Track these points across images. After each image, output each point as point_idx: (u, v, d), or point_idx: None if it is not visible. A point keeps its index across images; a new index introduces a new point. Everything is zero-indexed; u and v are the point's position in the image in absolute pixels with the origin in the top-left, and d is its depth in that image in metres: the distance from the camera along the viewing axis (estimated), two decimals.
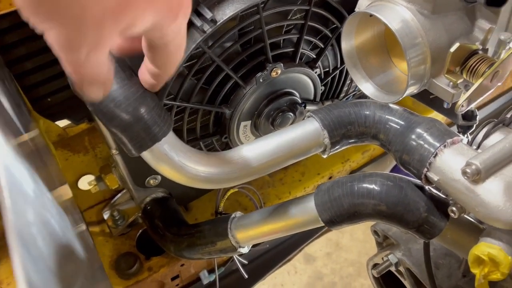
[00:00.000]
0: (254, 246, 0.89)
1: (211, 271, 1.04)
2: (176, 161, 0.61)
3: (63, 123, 0.88)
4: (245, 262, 0.96)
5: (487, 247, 0.56)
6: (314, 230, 1.17)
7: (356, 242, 2.27)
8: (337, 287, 2.13)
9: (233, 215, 0.81)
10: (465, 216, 0.68)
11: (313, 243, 2.24)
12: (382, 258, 0.89)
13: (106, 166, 0.88)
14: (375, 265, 0.93)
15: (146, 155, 0.61)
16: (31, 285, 0.21)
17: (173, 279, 0.99)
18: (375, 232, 0.95)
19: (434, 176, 0.60)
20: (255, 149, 0.66)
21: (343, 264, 2.20)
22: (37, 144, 0.71)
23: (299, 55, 0.78)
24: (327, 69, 0.88)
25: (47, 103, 0.79)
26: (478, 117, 0.76)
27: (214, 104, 0.76)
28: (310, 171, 1.10)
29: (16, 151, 0.38)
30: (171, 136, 0.61)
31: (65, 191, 0.84)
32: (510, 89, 1.32)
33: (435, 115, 0.85)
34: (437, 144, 0.60)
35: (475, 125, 0.77)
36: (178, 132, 0.77)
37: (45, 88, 0.78)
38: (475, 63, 0.62)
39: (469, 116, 0.75)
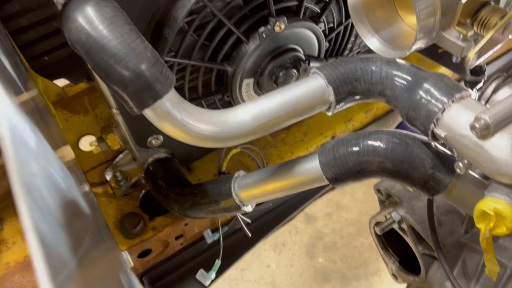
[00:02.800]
0: (257, 205, 0.90)
1: (214, 230, 1.05)
2: (179, 119, 0.60)
3: (61, 82, 0.86)
4: (249, 221, 0.97)
5: (493, 202, 0.56)
6: (315, 190, 1.17)
7: (356, 202, 2.29)
8: (337, 246, 2.17)
9: (236, 174, 0.81)
10: (470, 172, 0.67)
11: (314, 203, 2.27)
12: (385, 216, 0.90)
13: (107, 126, 0.87)
14: (377, 223, 0.93)
15: (148, 113, 0.59)
16: (41, 234, 0.20)
17: (177, 238, 1.00)
18: (378, 191, 0.95)
19: (441, 132, 0.59)
20: (259, 107, 0.65)
21: (343, 224, 2.23)
22: (38, 103, 0.70)
23: (303, 9, 0.75)
24: (332, 25, 0.85)
25: (44, 62, 0.77)
26: (486, 72, 0.74)
27: (216, 61, 0.74)
28: (313, 131, 1.09)
29: (18, 108, 0.37)
30: (173, 94, 0.59)
31: (67, 152, 0.83)
32: None
33: (443, 71, 0.83)
34: (445, 100, 0.59)
35: (483, 81, 0.76)
36: (180, 91, 0.76)
37: (41, 46, 0.75)
38: (486, 14, 0.59)
39: (477, 71, 0.73)
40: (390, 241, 1.00)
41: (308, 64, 0.79)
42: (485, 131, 0.54)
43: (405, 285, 1.07)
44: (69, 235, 0.28)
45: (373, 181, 0.99)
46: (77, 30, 0.54)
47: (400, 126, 1.26)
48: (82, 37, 0.54)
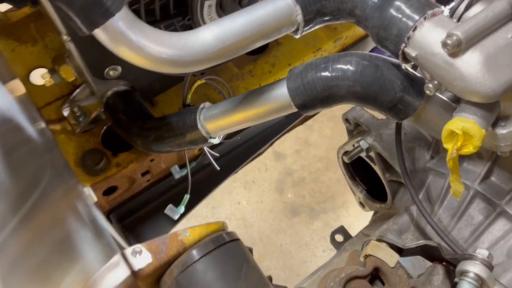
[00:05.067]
0: (226, 138, 0.87)
1: (182, 166, 1.03)
2: (134, 40, 0.55)
3: (3, 7, 0.78)
4: (217, 155, 0.95)
5: (461, 122, 0.56)
6: (283, 125, 1.16)
7: (324, 138, 2.31)
8: (306, 181, 2.21)
9: (202, 105, 0.78)
10: (439, 95, 0.66)
11: (283, 141, 2.28)
12: (353, 145, 0.89)
13: (60, 56, 0.80)
14: (345, 152, 0.93)
15: (99, 34, 0.54)
16: None
17: (143, 174, 0.98)
18: (347, 120, 0.94)
19: (412, 52, 0.57)
20: (222, 28, 0.60)
21: (312, 160, 2.26)
22: None
23: None
24: None
25: None
26: None
27: None
28: (281, 62, 1.05)
29: None
30: (126, 12, 0.54)
31: (17, 86, 0.77)
32: None
33: None
34: (417, 17, 0.56)
35: None
36: (135, 13, 0.70)
37: None
38: None
39: None
40: (358, 171, 1.01)
41: None
42: (457, 48, 0.53)
43: (371, 213, 1.10)
44: (21, 174, 0.25)
45: (340, 117, 0.98)
46: None
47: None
48: None
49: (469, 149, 0.56)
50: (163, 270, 0.53)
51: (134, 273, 0.51)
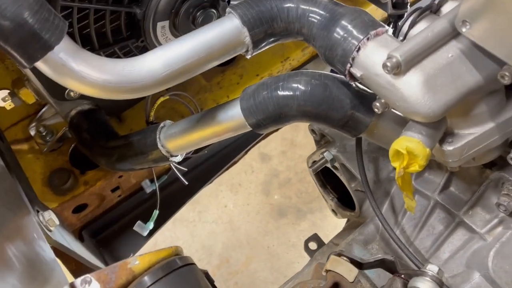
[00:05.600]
0: (194, 152, 0.88)
1: (153, 179, 1.03)
2: (77, 70, 0.55)
3: None
4: (185, 169, 0.95)
5: (406, 141, 0.56)
6: (252, 139, 1.15)
7: (310, 138, 2.29)
8: (292, 182, 2.21)
9: (162, 124, 0.78)
10: (393, 110, 0.67)
11: (268, 142, 2.27)
12: (319, 155, 0.90)
13: (19, 79, 0.80)
14: (313, 163, 0.94)
15: (41, 67, 0.54)
16: None
17: (113, 190, 0.98)
18: (312, 131, 0.94)
19: (357, 72, 0.58)
20: (169, 53, 0.60)
21: (297, 160, 2.26)
22: None
23: None
24: None
25: None
26: (409, 4, 0.71)
27: (122, 3, 0.68)
28: (249, 72, 1.05)
29: None
30: (67, 43, 0.54)
31: None
32: None
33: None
34: (360, 37, 0.57)
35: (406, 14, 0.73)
36: (86, 37, 0.70)
37: None
38: None
39: (399, 4, 0.71)
40: (329, 178, 1.02)
41: (228, 2, 0.74)
42: (397, 70, 0.53)
43: None
44: None
45: None
46: None
47: None
48: None
49: (415, 168, 0.56)
50: None
51: None
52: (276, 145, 2.29)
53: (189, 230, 2.06)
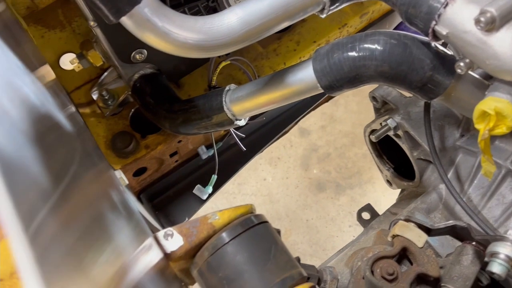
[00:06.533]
0: (251, 119, 0.88)
1: (209, 146, 1.04)
2: (160, 26, 0.55)
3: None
4: (243, 135, 0.96)
5: (494, 101, 0.54)
6: (309, 103, 1.15)
7: (350, 114, 2.29)
8: (331, 157, 2.20)
9: (227, 88, 0.78)
10: (471, 72, 0.65)
11: (308, 117, 2.26)
12: (380, 124, 0.88)
13: (87, 41, 0.81)
14: (372, 131, 0.92)
15: (126, 21, 0.55)
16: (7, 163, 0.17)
17: (171, 155, 0.99)
18: (374, 98, 0.93)
19: (443, 30, 0.55)
20: (247, 10, 0.60)
21: (337, 135, 2.24)
22: (5, 19, 0.64)
23: None
24: None
25: None
26: None
27: None
28: (306, 39, 1.03)
29: None
30: None
31: (47, 72, 0.78)
32: None
33: None
34: None
35: None
36: None
37: None
38: None
39: None
40: (385, 149, 1.00)
41: None
42: (491, 25, 0.51)
43: (398, 190, 1.09)
44: (52, 161, 0.26)
45: (366, 91, 0.96)
46: None
47: (398, 29, 1.20)
48: None
49: (502, 130, 0.55)
50: (194, 252, 0.55)
51: (167, 255, 0.53)
52: (315, 120, 2.27)
53: (229, 201, 2.09)
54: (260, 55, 1.02)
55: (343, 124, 2.27)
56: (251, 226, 0.56)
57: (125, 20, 0.54)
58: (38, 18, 0.83)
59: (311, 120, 2.27)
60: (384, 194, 2.05)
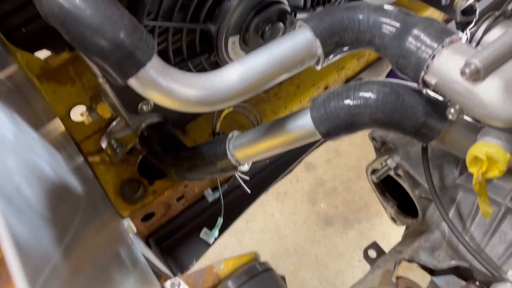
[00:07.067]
0: (254, 162, 0.90)
1: (215, 188, 1.06)
2: (165, 86, 0.59)
3: (43, 54, 0.84)
4: (247, 178, 0.98)
5: (485, 146, 0.56)
6: (313, 142, 1.18)
7: (354, 147, 2.31)
8: (338, 191, 2.21)
9: (230, 135, 0.81)
10: (465, 117, 0.67)
11: (313, 151, 2.29)
12: (381, 163, 0.90)
13: (96, 95, 0.85)
14: (374, 171, 0.94)
15: (132, 82, 0.58)
16: (17, 240, 0.20)
17: (178, 199, 1.02)
18: (373, 139, 0.95)
19: (432, 79, 0.58)
20: (246, 67, 0.63)
21: (343, 169, 2.26)
22: (17, 81, 0.68)
23: None
24: None
25: (22, 34, 0.75)
26: (478, 11, 0.72)
27: (198, 21, 0.71)
28: (305, 83, 1.07)
29: None
30: (156, 60, 0.58)
31: (56, 126, 0.82)
32: None
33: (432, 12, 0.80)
34: (435, 45, 0.58)
35: (474, 20, 0.74)
36: (164, 54, 0.74)
37: (16, 18, 0.73)
38: None
39: (468, 10, 0.71)
40: (388, 185, 1.02)
41: (294, 16, 0.77)
42: (476, 76, 0.54)
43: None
44: (54, 225, 0.28)
45: None
46: (48, 2, 0.52)
47: (393, 71, 1.24)
48: (54, 9, 0.52)
49: (494, 173, 0.56)
50: None
51: None
52: (320, 154, 2.30)
53: (237, 239, 2.09)
54: (262, 100, 1.06)
55: (348, 158, 2.28)
56: (256, 274, 0.58)
57: (132, 81, 0.58)
58: (50, 76, 0.87)
59: (316, 155, 2.29)
60: (392, 228, 2.03)
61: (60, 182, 0.40)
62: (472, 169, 0.58)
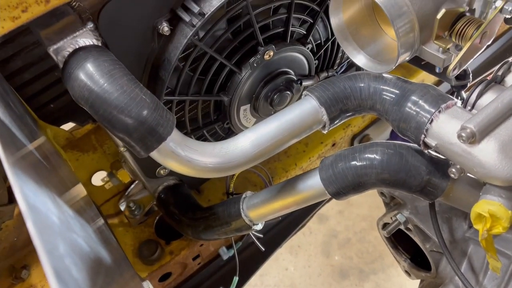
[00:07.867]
0: (267, 220, 0.93)
1: (229, 246, 1.09)
2: (183, 156, 0.64)
3: (68, 126, 0.91)
4: (260, 235, 1.01)
5: (487, 204, 0.59)
6: (319, 202, 1.20)
7: (366, 197, 2.32)
8: (352, 242, 2.20)
9: (244, 195, 0.84)
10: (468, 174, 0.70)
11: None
12: (391, 218, 0.93)
13: (116, 161, 0.91)
14: (385, 225, 0.96)
15: (153, 154, 0.63)
16: None
17: (194, 259, 1.04)
18: (382, 194, 0.98)
19: (431, 142, 0.62)
20: (257, 134, 0.68)
21: (355, 219, 2.26)
22: (45, 151, 0.73)
23: (289, 33, 0.78)
24: (319, 42, 0.88)
25: (50, 110, 0.81)
26: (471, 74, 0.77)
27: (212, 93, 0.77)
28: (313, 141, 1.12)
29: (19, 164, 0.39)
30: (175, 133, 0.63)
31: (79, 190, 0.87)
32: (502, 33, 1.31)
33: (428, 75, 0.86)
34: (432, 110, 0.62)
35: (469, 83, 0.79)
36: (181, 123, 0.80)
37: (45, 96, 0.79)
38: (462, 26, 0.62)
39: (462, 75, 0.76)
40: (400, 239, 1.03)
41: (300, 84, 0.83)
42: (472, 139, 0.57)
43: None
44: (84, 269, 0.30)
45: None
46: (80, 87, 0.58)
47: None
48: (85, 93, 0.57)
49: (498, 230, 0.59)
50: None
51: None
52: (332, 205, 2.31)
53: None
54: (273, 159, 1.10)
55: (360, 208, 2.29)
56: None
57: (153, 153, 0.63)
58: (74, 145, 0.93)
59: (328, 206, 2.29)
60: (408, 278, 2.01)
61: (94, 257, 0.43)
62: (477, 226, 0.61)
